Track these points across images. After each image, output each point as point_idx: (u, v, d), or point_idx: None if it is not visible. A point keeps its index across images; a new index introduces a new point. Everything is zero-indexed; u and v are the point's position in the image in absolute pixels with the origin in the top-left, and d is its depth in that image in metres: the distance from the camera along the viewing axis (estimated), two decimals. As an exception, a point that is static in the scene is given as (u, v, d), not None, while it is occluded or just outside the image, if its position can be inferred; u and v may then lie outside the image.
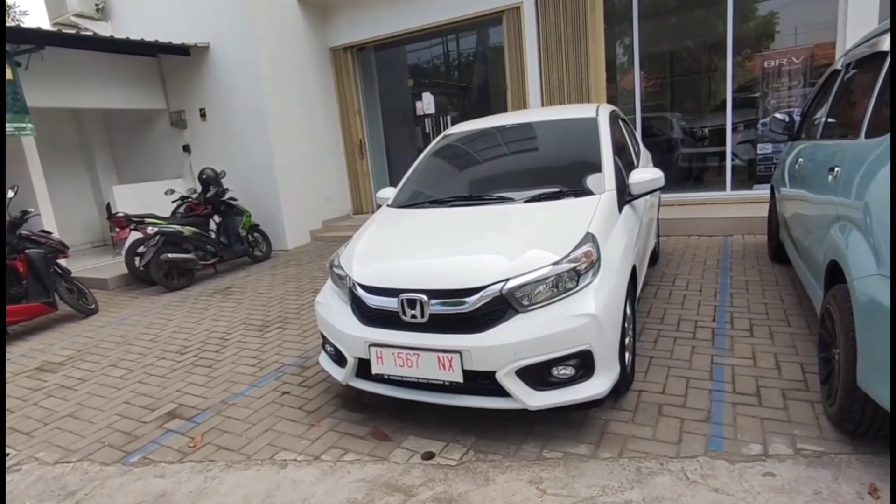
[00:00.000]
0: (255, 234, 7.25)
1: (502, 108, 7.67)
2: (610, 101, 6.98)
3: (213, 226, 6.87)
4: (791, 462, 2.06)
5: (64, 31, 7.50)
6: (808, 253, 2.85)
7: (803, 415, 2.37)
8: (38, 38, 6.13)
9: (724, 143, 6.73)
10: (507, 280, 2.28)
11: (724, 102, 6.64)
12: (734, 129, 6.63)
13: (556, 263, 2.33)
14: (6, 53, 6.01)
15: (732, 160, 6.66)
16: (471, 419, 2.59)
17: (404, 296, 2.38)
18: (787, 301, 3.71)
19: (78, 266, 6.92)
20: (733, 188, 6.68)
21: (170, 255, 5.96)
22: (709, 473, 2.05)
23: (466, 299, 2.28)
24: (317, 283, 5.67)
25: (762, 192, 6.29)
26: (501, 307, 2.29)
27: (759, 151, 6.68)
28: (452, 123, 8.44)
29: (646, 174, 3.04)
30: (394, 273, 2.53)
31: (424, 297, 2.34)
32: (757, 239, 5.47)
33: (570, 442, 2.36)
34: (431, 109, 8.42)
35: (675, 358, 3.05)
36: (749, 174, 6.85)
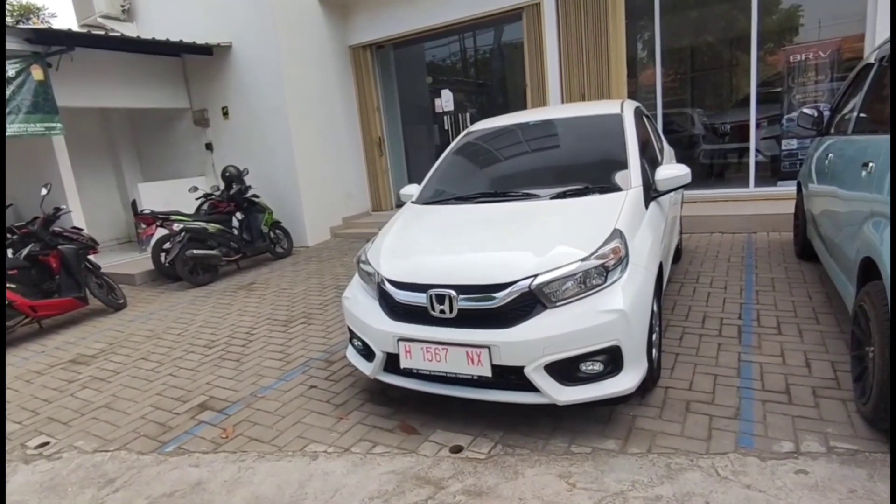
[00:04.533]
0: (277, 231, 7.35)
1: (521, 105, 7.66)
2: (630, 96, 6.92)
3: (235, 223, 6.98)
4: (824, 460, 2.05)
5: (93, 32, 7.66)
6: (839, 250, 2.81)
7: (835, 413, 2.34)
8: (69, 40, 6.28)
9: (746, 139, 6.63)
10: (535, 276, 2.30)
11: (747, 98, 6.55)
12: (757, 125, 6.53)
13: (584, 259, 2.34)
14: (38, 55, 6.18)
15: (756, 156, 6.57)
16: (496, 414, 2.61)
17: (433, 291, 2.41)
18: (815, 299, 3.66)
19: (104, 262, 7.07)
20: (757, 185, 6.59)
21: (195, 252, 6.08)
22: (740, 470, 2.05)
23: (495, 294, 2.30)
24: (339, 280, 5.73)
25: (787, 188, 6.18)
26: (530, 303, 2.31)
27: (783, 147, 6.57)
28: (471, 120, 8.45)
29: (672, 170, 3.02)
30: (423, 268, 2.56)
31: (453, 293, 2.36)
32: (782, 236, 5.39)
33: (597, 437, 2.37)
34: (450, 107, 8.43)
35: (702, 355, 3.04)
36: (772, 170, 6.74)
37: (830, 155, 3.23)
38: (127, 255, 7.88)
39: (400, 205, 9.15)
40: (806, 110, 3.84)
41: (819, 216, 3.49)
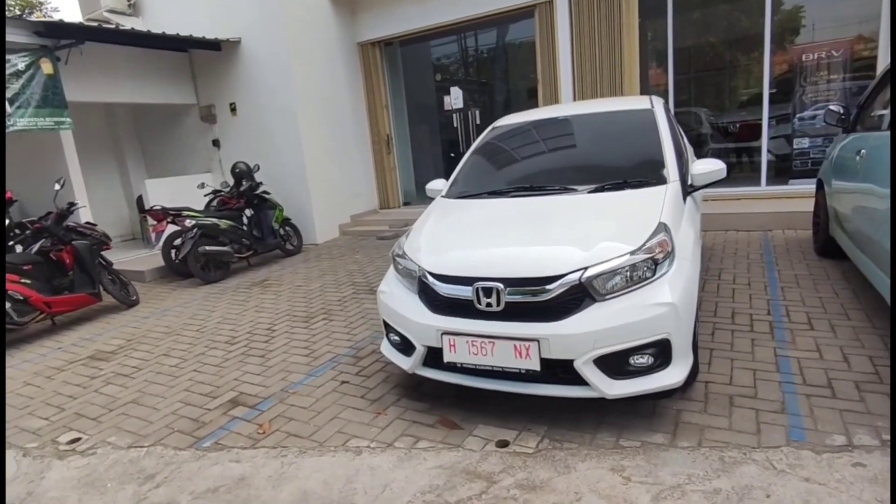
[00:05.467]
0: (287, 228, 7.30)
1: (529, 104, 7.65)
2: (643, 94, 6.92)
3: (244, 219, 6.92)
4: (880, 453, 2.05)
5: (102, 26, 7.56)
6: (879, 246, 2.81)
7: (882, 406, 2.34)
8: (79, 33, 6.21)
9: (758, 138, 6.67)
10: (586, 268, 2.28)
11: (758, 96, 6.58)
12: (768, 124, 6.56)
13: (633, 253, 2.32)
14: (46, 48, 6.10)
15: (767, 155, 6.60)
16: (537, 408, 2.59)
17: (480, 284, 2.38)
18: (842, 295, 3.67)
19: (111, 258, 6.98)
20: (768, 183, 6.62)
21: (207, 248, 6.02)
22: (796, 463, 2.04)
23: (546, 287, 2.28)
24: (353, 277, 5.70)
25: (800, 187, 6.23)
26: (579, 296, 2.29)
27: (795, 146, 6.60)
28: (480, 118, 8.44)
29: (708, 165, 3.03)
30: (469, 262, 2.53)
31: (501, 286, 2.34)
32: (798, 234, 5.41)
33: (645, 431, 2.36)
34: (459, 104, 8.41)
35: (737, 350, 3.04)
36: (778, 170, 6.75)
37: (863, 151, 3.23)
38: (133, 252, 7.80)
39: (407, 203, 9.18)
40: (832, 107, 3.86)
41: (849, 213, 3.49)
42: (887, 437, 2.14)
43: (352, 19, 8.47)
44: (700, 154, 7.37)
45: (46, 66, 6.07)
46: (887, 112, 3.15)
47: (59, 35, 6.09)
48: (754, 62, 6.97)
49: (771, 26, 6.24)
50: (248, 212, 6.94)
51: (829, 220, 4.21)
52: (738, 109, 7.46)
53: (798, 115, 6.60)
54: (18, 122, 5.83)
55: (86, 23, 7.24)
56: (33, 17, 6.21)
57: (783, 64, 6.71)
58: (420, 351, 2.59)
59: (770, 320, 3.40)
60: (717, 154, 7.60)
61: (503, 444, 2.39)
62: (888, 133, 3.00)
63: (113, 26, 7.51)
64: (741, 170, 7.22)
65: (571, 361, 2.25)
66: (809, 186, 5.11)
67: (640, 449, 2.24)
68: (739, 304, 3.72)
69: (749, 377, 2.73)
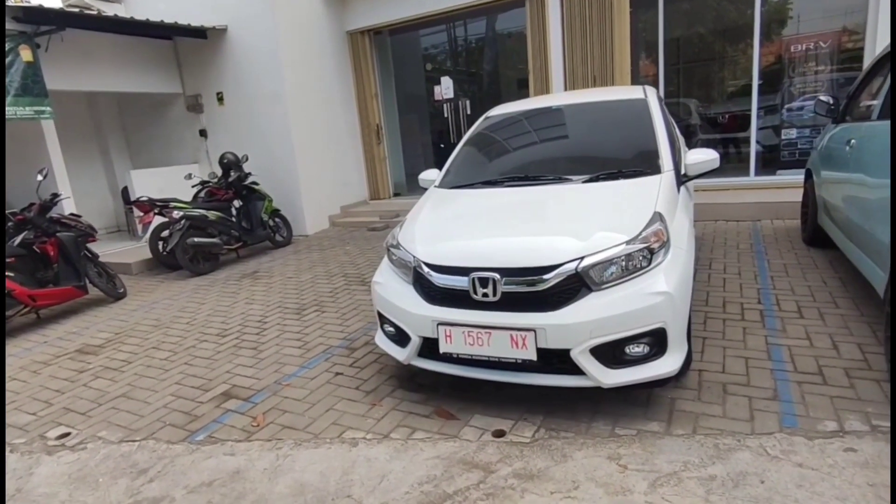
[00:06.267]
0: (277, 220, 7.22)
1: (522, 94, 7.61)
2: (633, 84, 6.92)
3: (233, 211, 6.82)
4: (870, 438, 2.08)
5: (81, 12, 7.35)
6: (869, 235, 2.84)
7: (872, 393, 2.38)
8: (59, 19, 6.04)
9: (746, 129, 6.72)
10: (582, 258, 2.28)
11: (747, 87, 6.62)
12: (757, 115, 6.61)
13: (629, 242, 2.32)
14: (26, 34, 5.94)
15: (755, 146, 6.65)
16: (532, 398, 2.60)
17: (476, 274, 2.37)
18: (830, 283, 3.72)
19: (97, 251, 6.85)
20: (757, 174, 6.68)
21: (196, 240, 5.94)
22: (789, 449, 2.07)
23: (543, 277, 2.27)
24: (345, 268, 5.66)
25: (788, 177, 6.29)
26: (575, 286, 2.29)
27: (783, 137, 6.66)
28: (471, 108, 8.39)
29: (701, 155, 3.03)
30: (464, 252, 2.52)
31: (497, 276, 2.33)
32: (787, 224, 5.47)
33: (640, 420, 2.38)
34: (450, 94, 8.35)
35: (729, 339, 3.07)
36: (766, 160, 6.80)
37: (853, 141, 3.26)
38: (118, 245, 7.67)
39: (397, 194, 9.12)
40: (822, 97, 3.89)
41: (838, 203, 3.53)
42: (877, 422, 2.17)
43: (341, 7, 8.34)
44: (689, 145, 7.43)
45: (26, 54, 5.91)
46: (877, 102, 3.17)
47: (38, 21, 5.93)
48: (742, 53, 7.00)
49: (760, 17, 6.27)
50: (236, 203, 6.85)
51: (817, 210, 4.25)
52: (727, 100, 7.49)
53: (786, 106, 6.65)
54: (-3, 110, 5.67)
55: (66, 8, 7.01)
56: (11, 2, 5.95)
57: (771, 55, 6.75)
58: (415, 342, 2.58)
59: (761, 309, 3.44)
60: (706, 145, 7.64)
61: (500, 433, 2.39)
62: (878, 123, 3.03)
63: (95, 12, 7.29)
64: (730, 160, 7.28)
65: (568, 351, 2.25)
66: (798, 177, 5.16)
67: (635, 437, 2.26)
68: (730, 294, 3.75)
69: (741, 365, 2.76)
